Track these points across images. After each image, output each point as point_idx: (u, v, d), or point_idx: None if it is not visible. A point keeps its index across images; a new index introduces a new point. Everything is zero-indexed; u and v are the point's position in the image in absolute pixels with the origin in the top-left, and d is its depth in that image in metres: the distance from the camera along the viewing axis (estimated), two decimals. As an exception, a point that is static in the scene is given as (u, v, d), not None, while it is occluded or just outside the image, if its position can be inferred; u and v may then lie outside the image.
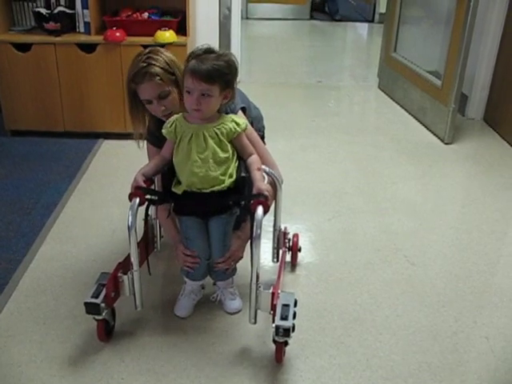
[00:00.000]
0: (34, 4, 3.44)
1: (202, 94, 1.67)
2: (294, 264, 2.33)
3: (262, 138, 2.20)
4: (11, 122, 3.51)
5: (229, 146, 1.77)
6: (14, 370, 1.79)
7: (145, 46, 3.16)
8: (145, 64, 1.83)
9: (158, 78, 1.82)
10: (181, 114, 1.79)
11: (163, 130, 1.80)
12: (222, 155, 1.75)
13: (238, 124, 1.77)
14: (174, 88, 1.87)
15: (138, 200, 1.76)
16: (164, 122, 1.85)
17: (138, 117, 1.96)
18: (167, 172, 1.85)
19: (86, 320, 1.89)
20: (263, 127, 2.24)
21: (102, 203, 2.81)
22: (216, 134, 1.74)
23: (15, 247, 2.40)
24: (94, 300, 1.80)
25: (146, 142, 2.05)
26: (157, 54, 1.87)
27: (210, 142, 1.73)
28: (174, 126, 1.78)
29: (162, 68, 1.84)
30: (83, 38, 3.34)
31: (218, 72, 1.67)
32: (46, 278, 2.23)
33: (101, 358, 1.84)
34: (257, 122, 2.18)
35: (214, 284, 2.09)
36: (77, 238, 2.52)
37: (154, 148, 2.02)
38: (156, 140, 1.98)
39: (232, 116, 1.80)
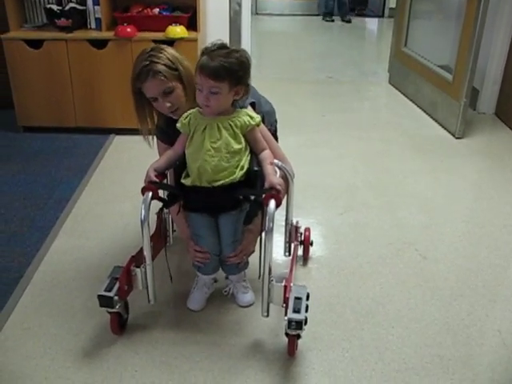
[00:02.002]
0: (46, 1, 3.47)
1: (210, 91, 1.68)
2: (305, 258, 2.33)
3: (275, 132, 2.20)
4: (23, 118, 3.54)
5: (242, 138, 1.77)
6: (30, 362, 1.81)
7: (156, 42, 3.20)
8: (147, 62, 1.83)
9: (161, 75, 1.82)
10: (196, 108, 1.80)
11: (178, 124, 1.80)
12: (236, 146, 1.75)
13: (252, 118, 1.77)
14: (178, 84, 1.87)
15: (150, 194, 1.77)
16: (173, 119, 1.86)
17: (145, 115, 1.96)
18: (179, 166, 1.86)
19: (100, 313, 1.90)
20: (275, 121, 2.24)
21: (113, 198, 2.83)
22: (230, 125, 1.75)
23: (29, 241, 2.42)
24: (107, 293, 1.82)
25: (155, 138, 2.06)
26: (159, 51, 1.87)
27: (224, 132, 1.74)
28: (188, 119, 1.78)
29: (164, 65, 1.83)
30: (94, 34, 3.37)
31: (227, 69, 1.66)
32: (60, 272, 2.25)
33: (114, 350, 1.86)
34: (269, 117, 2.17)
35: (227, 278, 2.10)
36: (89, 232, 2.54)
37: (163, 145, 2.02)
38: (166, 136, 1.99)
39: (246, 110, 1.81)
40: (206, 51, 1.70)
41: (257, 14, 8.15)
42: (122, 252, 2.28)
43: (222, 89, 1.68)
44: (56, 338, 1.91)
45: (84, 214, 2.69)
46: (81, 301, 2.08)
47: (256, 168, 1.81)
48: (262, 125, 1.85)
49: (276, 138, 2.15)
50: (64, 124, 3.54)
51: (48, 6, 3.38)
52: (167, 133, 1.95)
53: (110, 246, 2.43)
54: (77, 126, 3.54)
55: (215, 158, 1.74)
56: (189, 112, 1.81)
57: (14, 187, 2.90)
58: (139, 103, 1.93)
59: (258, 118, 1.79)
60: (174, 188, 1.90)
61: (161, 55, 1.85)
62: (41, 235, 2.47)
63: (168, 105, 1.87)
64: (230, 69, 1.67)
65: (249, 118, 1.77)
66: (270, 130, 2.01)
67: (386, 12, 8.10)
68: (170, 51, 1.89)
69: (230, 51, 1.70)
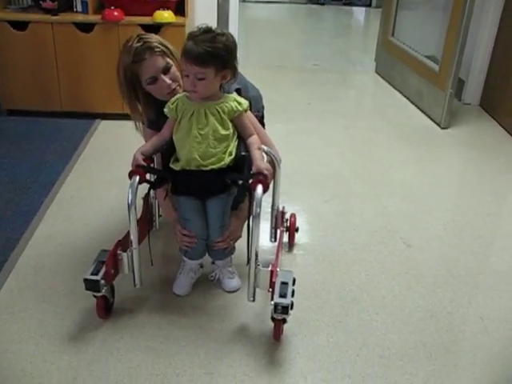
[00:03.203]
0: (31, -18, 3.41)
1: (196, 77, 1.67)
2: (291, 244, 2.35)
3: (262, 118, 2.20)
4: (8, 101, 3.49)
5: (230, 124, 1.77)
6: (14, 347, 1.80)
7: (143, 26, 3.19)
8: (141, 43, 1.83)
9: (159, 49, 1.83)
10: (184, 93, 1.79)
11: (165, 109, 1.79)
12: (223, 132, 1.75)
13: (239, 103, 1.77)
14: (173, 61, 1.88)
15: (137, 178, 1.76)
16: (163, 110, 1.86)
17: (136, 104, 1.95)
18: (167, 151, 1.85)
19: (85, 297, 1.90)
20: (262, 107, 2.24)
21: (99, 182, 2.81)
22: (217, 111, 1.74)
23: (13, 225, 2.40)
24: (93, 277, 1.81)
25: (144, 127, 2.04)
26: (146, 34, 1.90)
27: (211, 118, 1.74)
28: (175, 104, 1.78)
29: (158, 42, 1.86)
30: (81, 18, 3.32)
31: (212, 54, 1.65)
32: (45, 256, 2.24)
33: (100, 334, 1.86)
34: (255, 103, 2.17)
35: (213, 263, 2.10)
36: (74, 216, 2.53)
37: (151, 131, 2.00)
38: (150, 123, 1.99)
39: (234, 96, 1.80)
40: (191, 36, 1.68)
41: (244, 1, 8.10)
42: (108, 236, 2.27)
43: (208, 74, 1.67)
44: (41, 323, 1.90)
45: (69, 198, 2.67)
46: (66, 285, 2.07)
47: (243, 153, 1.80)
48: (248, 111, 1.85)
49: (263, 124, 2.15)
50: (49, 108, 3.50)
51: (33, -13, 3.32)
52: (157, 123, 1.94)
53: (96, 230, 2.42)
54: (62, 110, 3.50)
55: (202, 144, 1.74)
56: (176, 97, 1.80)
57: (-2, 171, 2.87)
58: (130, 92, 1.90)
59: (245, 103, 1.79)
60: (162, 172, 1.90)
61: (150, 37, 1.87)
62: (25, 219, 2.45)
63: (169, 82, 1.86)
64: (215, 53, 1.65)
65: (236, 104, 1.76)
66: (256, 115, 2.01)
67: (374, 2, 8.10)
68: (156, 36, 1.91)
69: (215, 35, 1.67)
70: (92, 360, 1.75)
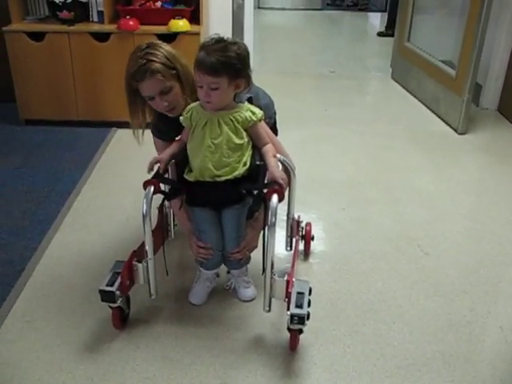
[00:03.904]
0: (48, -7, 3.45)
1: (210, 87, 1.66)
2: (307, 253, 2.33)
3: (274, 124, 2.18)
4: (25, 111, 3.53)
5: (244, 133, 1.76)
6: (31, 355, 1.81)
7: (158, 35, 3.20)
8: (144, 61, 1.78)
9: (160, 74, 1.78)
10: (198, 102, 1.78)
11: (180, 118, 1.79)
12: (237, 141, 1.74)
13: (253, 113, 1.76)
14: (175, 83, 1.84)
15: (152, 188, 1.76)
16: (165, 115, 1.86)
17: (138, 111, 1.93)
18: (181, 161, 1.85)
19: (101, 306, 1.89)
20: (274, 113, 2.22)
21: (115, 191, 2.83)
22: (231, 120, 1.73)
23: (30, 234, 2.42)
24: (109, 288, 1.81)
25: (152, 136, 2.03)
26: (156, 48, 1.82)
27: (225, 128, 1.73)
28: (190, 113, 1.77)
29: (162, 64, 1.79)
30: (96, 27, 3.35)
31: (224, 64, 1.64)
32: (61, 265, 2.25)
33: (116, 344, 1.86)
34: (267, 110, 2.13)
35: (228, 272, 2.10)
36: (91, 225, 2.54)
37: (160, 141, 2.01)
38: (161, 134, 1.99)
39: (248, 105, 1.79)
40: (203, 47, 1.67)
41: (259, 7, 8.12)
42: (124, 246, 2.28)
43: (222, 84, 1.66)
44: (57, 332, 1.91)
45: (85, 207, 2.69)
46: (82, 294, 2.08)
47: (258, 162, 1.80)
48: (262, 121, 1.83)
49: (275, 131, 2.14)
50: (66, 117, 3.54)
51: (50, -2, 3.36)
52: (161, 130, 1.94)
53: (112, 239, 2.42)
54: (79, 119, 3.54)
55: (216, 154, 1.73)
56: (191, 106, 1.80)
57: (16, 180, 2.90)
58: (133, 100, 1.90)
59: (260, 113, 1.78)
60: (176, 183, 1.90)
61: (158, 53, 1.80)
62: (42, 228, 2.47)
63: (165, 104, 1.85)
64: (227, 62, 1.64)
65: (250, 114, 1.75)
66: (268, 123, 1.99)
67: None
68: (166, 48, 1.85)
69: (227, 44, 1.67)
70: (108, 369, 1.76)
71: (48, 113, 3.53)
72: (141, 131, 1.97)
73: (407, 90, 4.49)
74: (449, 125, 3.75)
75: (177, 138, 1.90)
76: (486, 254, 2.38)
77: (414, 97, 4.34)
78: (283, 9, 8.20)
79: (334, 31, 7.25)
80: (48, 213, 2.60)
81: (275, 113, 2.23)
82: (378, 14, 8.14)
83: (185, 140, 1.83)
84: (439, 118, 3.90)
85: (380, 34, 6.70)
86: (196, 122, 1.76)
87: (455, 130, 3.66)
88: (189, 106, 1.80)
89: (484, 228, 2.58)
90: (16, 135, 3.45)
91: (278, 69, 5.14)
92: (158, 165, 1.81)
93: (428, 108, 4.09)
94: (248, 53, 1.72)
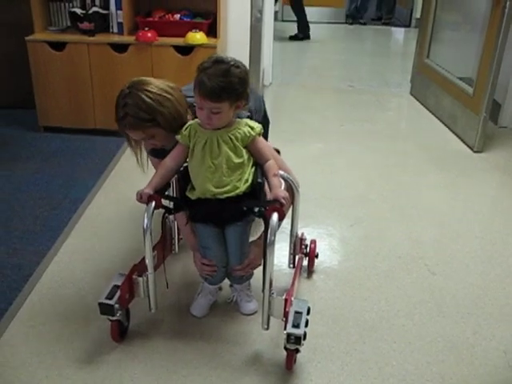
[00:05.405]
0: (70, 4, 3.52)
1: (211, 111, 1.65)
2: (310, 271, 2.32)
3: (265, 115, 2.17)
4: (44, 118, 3.60)
5: (244, 151, 1.74)
6: (32, 359, 1.84)
7: (175, 47, 3.25)
8: (122, 113, 1.77)
9: (138, 127, 1.78)
10: (195, 120, 1.77)
11: (177, 136, 1.78)
12: (236, 160, 1.73)
13: (252, 128, 1.75)
14: (157, 129, 1.79)
15: (153, 203, 1.75)
16: None
17: (136, 147, 1.96)
18: (183, 178, 1.84)
19: (104, 316, 1.92)
20: (264, 106, 2.20)
21: (127, 201, 2.85)
22: (230, 139, 1.72)
23: (41, 240, 2.46)
24: (108, 301, 1.81)
25: (147, 153, 2.05)
26: (137, 96, 1.75)
27: (224, 147, 1.72)
28: (188, 130, 1.76)
29: (139, 118, 1.75)
30: (116, 38, 3.41)
31: (226, 89, 1.62)
32: (69, 272, 2.29)
33: (115, 353, 1.87)
34: (256, 115, 2.11)
35: (231, 286, 2.10)
36: (100, 234, 2.57)
37: (156, 159, 2.02)
38: (156, 153, 2.00)
39: (246, 120, 1.78)
40: (203, 69, 1.64)
41: (283, 20, 8.17)
42: (132, 256, 2.28)
43: (223, 108, 1.65)
44: (60, 338, 1.94)
45: (97, 215, 2.73)
46: (87, 302, 2.11)
47: (260, 180, 1.78)
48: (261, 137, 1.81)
49: (267, 120, 2.11)
50: (83, 125, 3.60)
51: (72, 9, 3.43)
52: (163, 152, 1.92)
53: (120, 249, 2.45)
54: (96, 127, 3.59)
55: (216, 174, 1.72)
56: (189, 123, 1.79)
57: (31, 186, 2.95)
58: (127, 137, 1.91)
59: (258, 127, 1.76)
60: (177, 199, 1.90)
61: (138, 102, 1.74)
62: (53, 234, 2.51)
63: (151, 146, 1.89)
64: (229, 88, 1.63)
65: (249, 129, 1.74)
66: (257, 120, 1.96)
67: (413, 22, 8.04)
68: (151, 90, 1.76)
69: (229, 68, 1.63)
70: (106, 377, 1.77)
71: (66, 120, 3.59)
72: (145, 160, 2.02)
73: (425, 107, 4.47)
74: (465, 143, 3.72)
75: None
76: (494, 276, 2.35)
77: (432, 113, 4.32)
78: (308, 22, 8.23)
79: (357, 45, 7.25)
80: (60, 219, 2.64)
81: (264, 105, 2.22)
82: (402, 29, 8.13)
83: (173, 162, 1.80)
84: (456, 135, 3.87)
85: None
86: (195, 140, 1.75)
87: (471, 148, 3.63)
88: (186, 124, 1.79)
89: (494, 249, 2.55)
90: (34, 142, 3.51)
91: (298, 82, 5.16)
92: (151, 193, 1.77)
93: (445, 125, 4.06)
94: (248, 73, 1.71)
